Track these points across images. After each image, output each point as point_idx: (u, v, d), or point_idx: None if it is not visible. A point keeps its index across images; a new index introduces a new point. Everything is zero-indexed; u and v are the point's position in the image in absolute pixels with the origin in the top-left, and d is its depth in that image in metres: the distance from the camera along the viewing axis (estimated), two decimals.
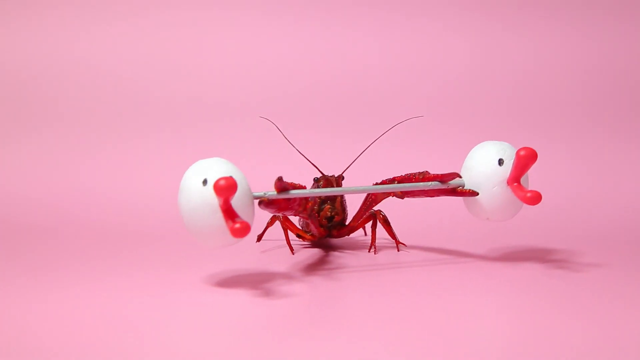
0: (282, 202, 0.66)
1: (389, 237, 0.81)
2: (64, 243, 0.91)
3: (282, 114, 1.08)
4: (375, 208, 0.80)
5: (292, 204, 0.68)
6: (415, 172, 0.73)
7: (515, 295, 0.65)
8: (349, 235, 0.83)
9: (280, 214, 0.75)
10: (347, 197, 0.84)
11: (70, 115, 1.20)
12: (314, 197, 0.77)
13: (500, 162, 0.69)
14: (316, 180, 0.79)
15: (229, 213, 0.59)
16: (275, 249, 0.83)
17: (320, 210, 0.78)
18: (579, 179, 1.13)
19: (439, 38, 1.24)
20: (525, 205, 0.70)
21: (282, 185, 0.65)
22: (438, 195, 0.72)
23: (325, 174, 0.80)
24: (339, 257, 0.79)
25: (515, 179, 0.68)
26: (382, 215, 0.79)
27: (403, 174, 0.74)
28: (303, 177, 0.78)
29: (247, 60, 1.22)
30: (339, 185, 0.79)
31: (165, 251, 0.85)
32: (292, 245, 0.79)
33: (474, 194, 0.69)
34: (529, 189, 0.68)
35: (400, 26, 1.23)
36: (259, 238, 0.85)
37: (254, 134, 1.12)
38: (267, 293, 0.64)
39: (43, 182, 1.12)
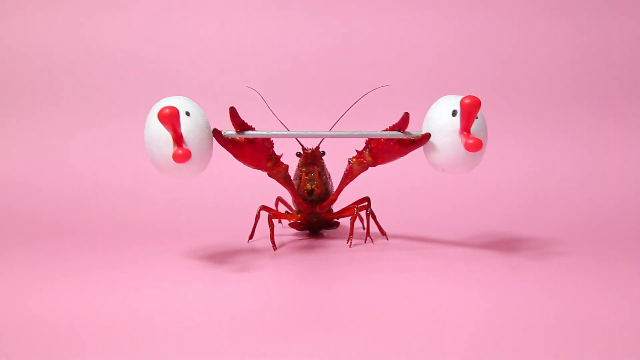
0: (244, 144, 0.72)
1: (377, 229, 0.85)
2: (49, 229, 0.95)
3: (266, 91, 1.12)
4: (364, 203, 0.83)
5: (257, 152, 0.72)
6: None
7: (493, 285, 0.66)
8: (331, 208, 0.85)
9: (251, 167, 0.76)
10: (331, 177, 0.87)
11: (53, 98, 1.25)
12: (296, 179, 0.82)
13: (454, 113, 0.71)
14: (298, 154, 0.83)
15: (176, 140, 0.66)
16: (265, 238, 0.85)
17: (300, 185, 0.82)
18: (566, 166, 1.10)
19: (429, 20, 1.24)
20: (480, 158, 0.72)
21: (239, 120, 0.71)
22: (403, 152, 0.75)
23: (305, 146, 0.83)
24: (326, 247, 0.82)
25: (465, 128, 0.70)
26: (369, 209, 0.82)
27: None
28: (287, 150, 0.81)
29: (234, 40, 1.26)
30: (317, 157, 0.82)
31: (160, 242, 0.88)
32: (276, 244, 0.80)
33: (426, 136, 0.71)
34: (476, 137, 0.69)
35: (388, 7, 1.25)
36: (250, 237, 0.84)
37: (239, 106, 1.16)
38: (251, 282, 0.67)
39: (27, 165, 1.18)
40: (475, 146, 0.67)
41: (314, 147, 0.83)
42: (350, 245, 0.80)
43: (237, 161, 0.74)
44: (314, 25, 1.27)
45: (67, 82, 1.26)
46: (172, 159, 0.66)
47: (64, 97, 1.26)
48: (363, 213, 0.87)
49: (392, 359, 0.48)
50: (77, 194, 1.11)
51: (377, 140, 0.76)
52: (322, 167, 0.83)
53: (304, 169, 0.82)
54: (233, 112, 0.70)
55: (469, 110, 0.68)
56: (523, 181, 1.12)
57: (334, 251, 0.80)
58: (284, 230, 0.93)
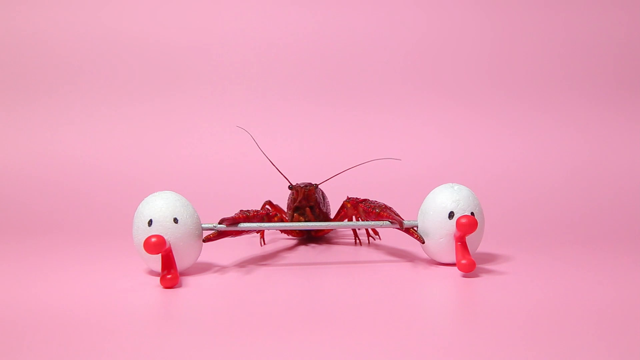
0: (233, 232, 0.72)
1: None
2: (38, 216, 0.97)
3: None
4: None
5: (246, 232, 0.73)
6: (377, 201, 0.75)
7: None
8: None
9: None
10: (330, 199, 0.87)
11: (45, 87, 1.21)
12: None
13: (451, 215, 0.69)
14: (290, 187, 0.82)
15: (165, 263, 0.66)
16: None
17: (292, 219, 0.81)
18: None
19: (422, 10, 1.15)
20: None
21: (230, 222, 0.70)
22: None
23: (298, 183, 0.82)
24: (323, 247, 0.83)
25: (460, 238, 0.69)
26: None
27: (368, 200, 0.76)
28: (279, 183, 0.80)
29: (234, 31, 1.21)
30: (310, 194, 0.80)
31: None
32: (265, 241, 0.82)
33: (420, 241, 0.71)
34: (470, 257, 0.68)
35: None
36: (262, 241, 0.85)
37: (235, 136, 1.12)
38: (247, 281, 0.67)
39: (20, 157, 1.16)
40: (468, 267, 0.67)
41: (305, 185, 0.81)
42: (360, 243, 0.83)
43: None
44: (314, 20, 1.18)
45: (63, 71, 1.22)
46: (156, 266, 0.67)
47: (57, 87, 1.22)
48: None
49: (389, 357, 0.48)
50: (69, 184, 1.11)
51: (370, 208, 0.75)
52: (315, 200, 0.82)
53: (295, 213, 0.81)
54: (224, 222, 0.69)
55: (465, 230, 0.67)
56: (518, 172, 1.10)
57: (331, 251, 0.81)
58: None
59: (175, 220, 0.67)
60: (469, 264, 0.67)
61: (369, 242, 0.85)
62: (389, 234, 0.90)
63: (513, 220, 1.01)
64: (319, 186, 0.84)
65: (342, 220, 0.81)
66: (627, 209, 0.99)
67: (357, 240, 0.83)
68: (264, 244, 0.80)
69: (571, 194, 1.06)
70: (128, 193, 1.09)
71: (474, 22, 1.20)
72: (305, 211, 0.81)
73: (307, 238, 0.88)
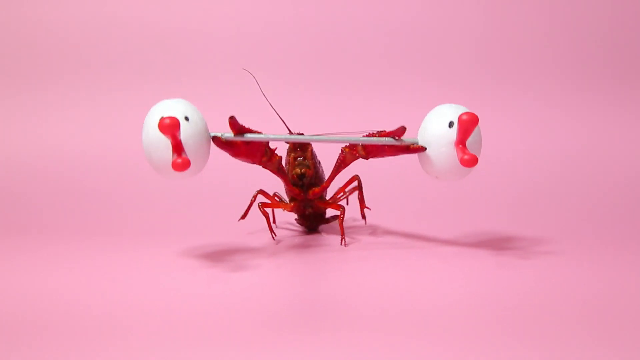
0: (241, 145, 0.73)
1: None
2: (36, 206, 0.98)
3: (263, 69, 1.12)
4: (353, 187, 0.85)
5: (254, 150, 0.74)
6: (374, 131, 0.77)
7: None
8: (324, 196, 0.86)
9: (242, 159, 0.76)
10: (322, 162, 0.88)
11: (35, 70, 1.23)
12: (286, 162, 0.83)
13: (451, 124, 0.72)
14: (289, 147, 0.83)
15: (176, 148, 0.67)
16: (262, 231, 0.87)
17: (289, 170, 0.82)
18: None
19: None
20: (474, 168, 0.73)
21: (237, 126, 0.72)
22: (397, 154, 0.76)
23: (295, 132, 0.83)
24: (322, 245, 0.83)
25: (461, 141, 0.71)
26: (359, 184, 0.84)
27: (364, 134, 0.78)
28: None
29: (234, 17, 1.26)
30: (307, 146, 0.82)
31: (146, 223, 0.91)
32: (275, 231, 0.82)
33: (422, 149, 0.72)
34: (472, 153, 0.70)
35: None
36: (243, 217, 0.86)
37: (234, 86, 1.16)
38: (246, 279, 0.68)
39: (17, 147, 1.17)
40: (470, 162, 0.69)
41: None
42: (345, 244, 0.81)
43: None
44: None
45: (60, 57, 1.25)
46: (170, 165, 0.67)
47: (56, 73, 1.24)
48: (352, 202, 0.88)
49: (388, 355, 0.49)
50: (66, 175, 1.12)
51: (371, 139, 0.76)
52: (311, 152, 0.84)
53: (292, 154, 0.83)
54: (232, 121, 0.70)
55: (466, 127, 0.69)
56: (515, 162, 1.13)
57: (329, 249, 0.81)
58: (279, 228, 0.93)
59: (187, 119, 0.69)
60: (471, 158, 0.69)
61: (365, 221, 0.85)
62: (389, 233, 0.90)
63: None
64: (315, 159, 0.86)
65: (340, 170, 0.81)
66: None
67: (343, 242, 0.82)
68: (275, 236, 0.81)
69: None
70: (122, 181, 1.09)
71: (470, 5, 1.25)
72: (302, 154, 0.82)
73: (312, 226, 0.88)
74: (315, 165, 0.84)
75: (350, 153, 0.79)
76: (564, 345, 0.50)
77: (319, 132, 0.82)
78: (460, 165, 0.71)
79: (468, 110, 0.70)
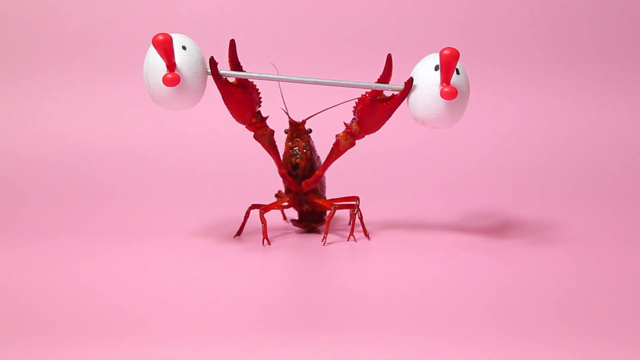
0: (235, 90, 0.76)
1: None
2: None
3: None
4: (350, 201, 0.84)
5: (247, 102, 0.76)
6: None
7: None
8: (320, 192, 0.86)
9: (237, 119, 0.78)
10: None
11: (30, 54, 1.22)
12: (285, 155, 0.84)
13: (437, 68, 0.74)
14: (286, 131, 0.85)
15: (168, 65, 0.71)
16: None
17: (285, 158, 0.83)
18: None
19: None
20: (462, 113, 0.75)
21: (236, 57, 0.75)
22: (389, 113, 0.77)
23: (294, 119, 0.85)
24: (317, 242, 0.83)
25: (445, 80, 0.72)
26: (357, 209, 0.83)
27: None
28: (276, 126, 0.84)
29: None
30: (302, 131, 0.83)
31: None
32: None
33: (408, 82, 0.74)
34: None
35: None
36: (238, 233, 0.85)
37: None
38: (241, 276, 0.70)
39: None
40: (450, 94, 0.70)
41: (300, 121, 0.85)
42: (324, 244, 0.80)
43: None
44: None
45: (56, 36, 1.24)
46: (166, 90, 0.71)
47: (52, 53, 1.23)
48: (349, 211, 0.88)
49: (385, 352, 0.49)
50: (62, 159, 1.13)
51: (362, 105, 0.78)
52: (308, 142, 0.84)
53: (289, 144, 0.84)
54: (233, 46, 0.74)
55: (448, 61, 0.71)
56: (510, 140, 1.12)
57: (329, 248, 0.81)
58: (275, 227, 0.91)
59: (184, 48, 0.74)
60: (451, 91, 0.70)
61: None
62: (387, 233, 0.89)
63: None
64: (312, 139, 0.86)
65: (334, 158, 0.82)
66: None
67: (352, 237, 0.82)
68: (269, 244, 0.80)
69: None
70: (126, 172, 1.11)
71: None
72: (298, 144, 0.83)
73: (309, 224, 0.87)
74: (311, 157, 0.84)
75: (345, 136, 0.80)
76: (573, 340, 0.50)
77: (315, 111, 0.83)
78: (446, 105, 0.72)
79: (448, 47, 0.72)
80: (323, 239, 0.81)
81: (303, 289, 0.67)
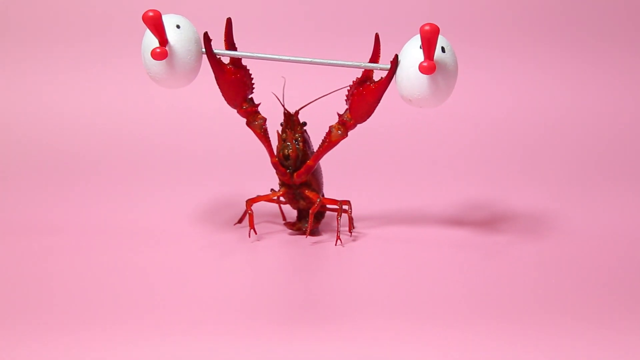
0: (229, 72, 0.78)
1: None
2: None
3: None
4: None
5: (241, 85, 0.79)
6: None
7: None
8: (310, 182, 0.84)
9: (228, 102, 0.79)
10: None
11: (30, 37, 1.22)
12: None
13: (421, 46, 0.74)
14: (282, 124, 0.85)
15: (160, 42, 0.75)
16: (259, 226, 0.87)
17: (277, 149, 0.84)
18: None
19: None
20: (448, 93, 0.74)
21: (231, 36, 0.78)
22: (378, 95, 0.77)
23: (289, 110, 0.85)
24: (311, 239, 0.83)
25: (428, 56, 0.72)
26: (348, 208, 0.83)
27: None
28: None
29: None
30: (296, 121, 0.83)
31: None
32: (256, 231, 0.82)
33: (394, 60, 0.74)
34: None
35: None
36: (239, 221, 0.87)
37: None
38: (236, 271, 0.71)
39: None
40: (428, 69, 0.70)
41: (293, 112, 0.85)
42: (306, 236, 0.81)
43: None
44: None
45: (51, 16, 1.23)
46: (159, 67, 0.74)
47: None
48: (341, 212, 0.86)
49: (383, 350, 0.50)
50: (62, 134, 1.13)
51: (353, 88, 0.79)
52: (301, 134, 0.84)
53: (283, 135, 0.84)
54: (229, 24, 0.77)
55: (428, 37, 0.71)
56: (500, 121, 1.09)
57: (320, 244, 0.81)
58: (271, 224, 0.91)
59: (178, 27, 0.77)
60: (429, 66, 0.70)
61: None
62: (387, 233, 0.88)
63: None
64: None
65: (326, 150, 0.82)
66: None
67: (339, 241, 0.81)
68: (256, 233, 0.81)
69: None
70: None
71: None
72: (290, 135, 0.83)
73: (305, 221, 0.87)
74: (304, 149, 0.84)
75: (337, 127, 0.80)
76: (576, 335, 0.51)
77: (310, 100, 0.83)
78: (431, 83, 0.72)
79: (429, 22, 0.72)
80: (307, 232, 0.81)
81: (294, 283, 0.68)
